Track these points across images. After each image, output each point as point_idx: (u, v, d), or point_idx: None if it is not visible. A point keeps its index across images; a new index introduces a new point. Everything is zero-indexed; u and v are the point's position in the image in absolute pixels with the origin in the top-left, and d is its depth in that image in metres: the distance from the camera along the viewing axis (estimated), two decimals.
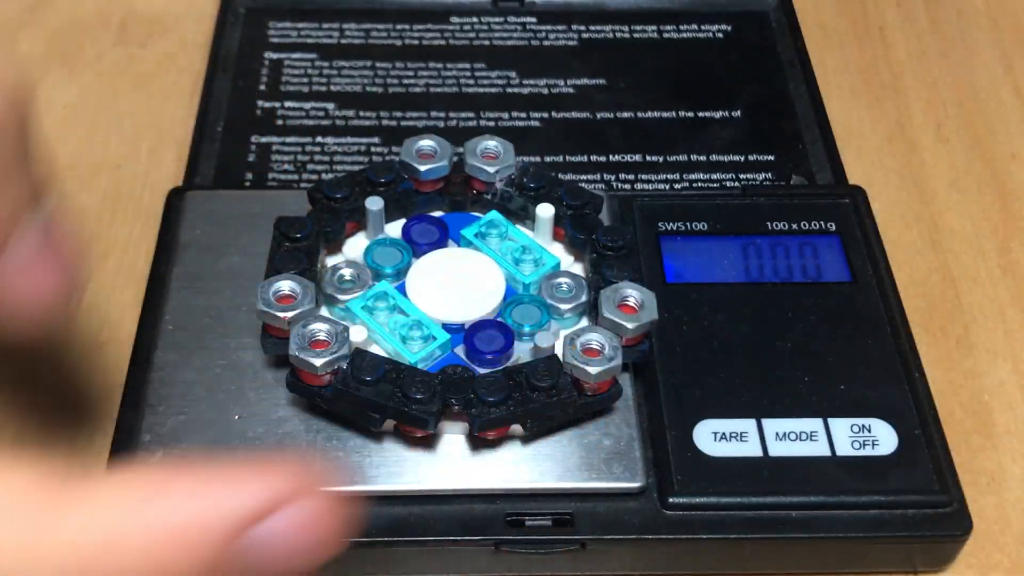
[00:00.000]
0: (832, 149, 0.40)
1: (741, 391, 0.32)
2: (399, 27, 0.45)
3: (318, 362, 0.28)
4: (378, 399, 0.28)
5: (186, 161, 0.39)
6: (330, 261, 0.32)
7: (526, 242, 0.32)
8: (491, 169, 0.33)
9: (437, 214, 0.34)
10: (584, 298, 0.31)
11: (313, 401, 0.30)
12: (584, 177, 0.39)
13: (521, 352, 0.30)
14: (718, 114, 0.41)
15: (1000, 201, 0.41)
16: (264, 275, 0.30)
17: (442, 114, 0.41)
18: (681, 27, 0.45)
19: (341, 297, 0.30)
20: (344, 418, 0.30)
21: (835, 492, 0.30)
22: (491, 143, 0.33)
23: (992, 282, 0.38)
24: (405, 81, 0.43)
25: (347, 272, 0.31)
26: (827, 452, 0.30)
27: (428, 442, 0.30)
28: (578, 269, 0.33)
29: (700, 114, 0.41)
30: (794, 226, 0.36)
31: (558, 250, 0.33)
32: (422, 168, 0.33)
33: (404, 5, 0.45)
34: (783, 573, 0.31)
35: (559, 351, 0.29)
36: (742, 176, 0.39)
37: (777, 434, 0.31)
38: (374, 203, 0.32)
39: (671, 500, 0.30)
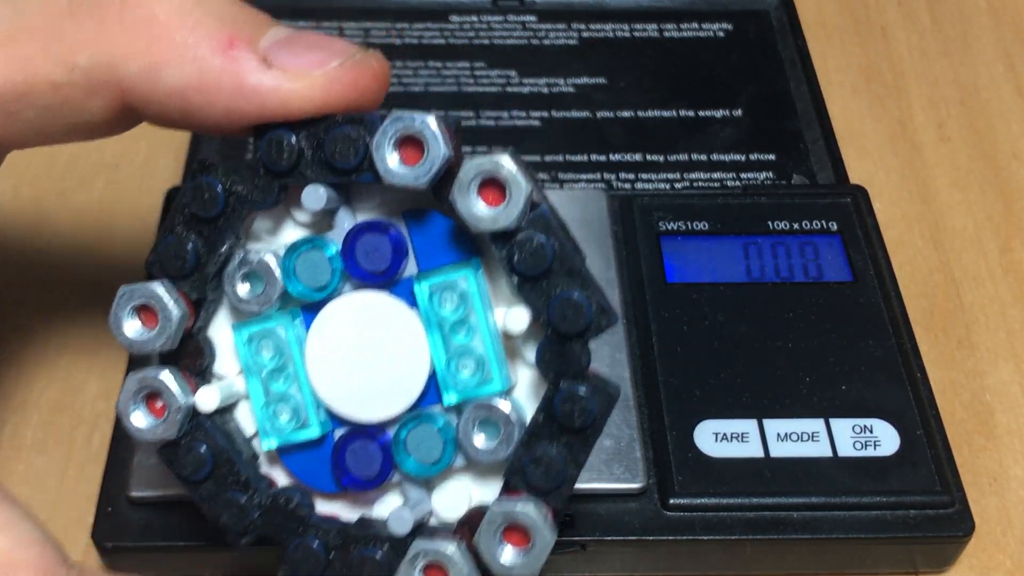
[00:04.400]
0: (833, 148, 0.40)
1: (742, 391, 0.32)
2: (399, 26, 0.45)
3: (141, 424, 0.22)
4: (196, 497, 0.23)
5: (184, 161, 0.39)
6: (258, 225, 0.24)
7: (484, 339, 0.22)
8: (487, 215, 0.22)
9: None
10: (506, 453, 0.22)
11: None
12: (584, 177, 0.39)
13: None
14: (719, 113, 0.41)
15: (1002, 200, 0.41)
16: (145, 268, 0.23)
17: (442, 113, 0.41)
18: (682, 26, 0.45)
19: (238, 307, 0.23)
20: None
21: (837, 493, 0.30)
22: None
23: (994, 282, 0.38)
24: (405, 80, 0.42)
25: (249, 271, 0.23)
26: (828, 453, 0.30)
27: None
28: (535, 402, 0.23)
29: (701, 113, 0.41)
30: (795, 226, 0.36)
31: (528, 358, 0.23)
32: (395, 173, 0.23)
33: (404, 4, 0.45)
34: (784, 574, 0.31)
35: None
36: (743, 175, 0.39)
37: (778, 434, 0.31)
38: (314, 200, 0.22)
39: (672, 501, 0.30)
